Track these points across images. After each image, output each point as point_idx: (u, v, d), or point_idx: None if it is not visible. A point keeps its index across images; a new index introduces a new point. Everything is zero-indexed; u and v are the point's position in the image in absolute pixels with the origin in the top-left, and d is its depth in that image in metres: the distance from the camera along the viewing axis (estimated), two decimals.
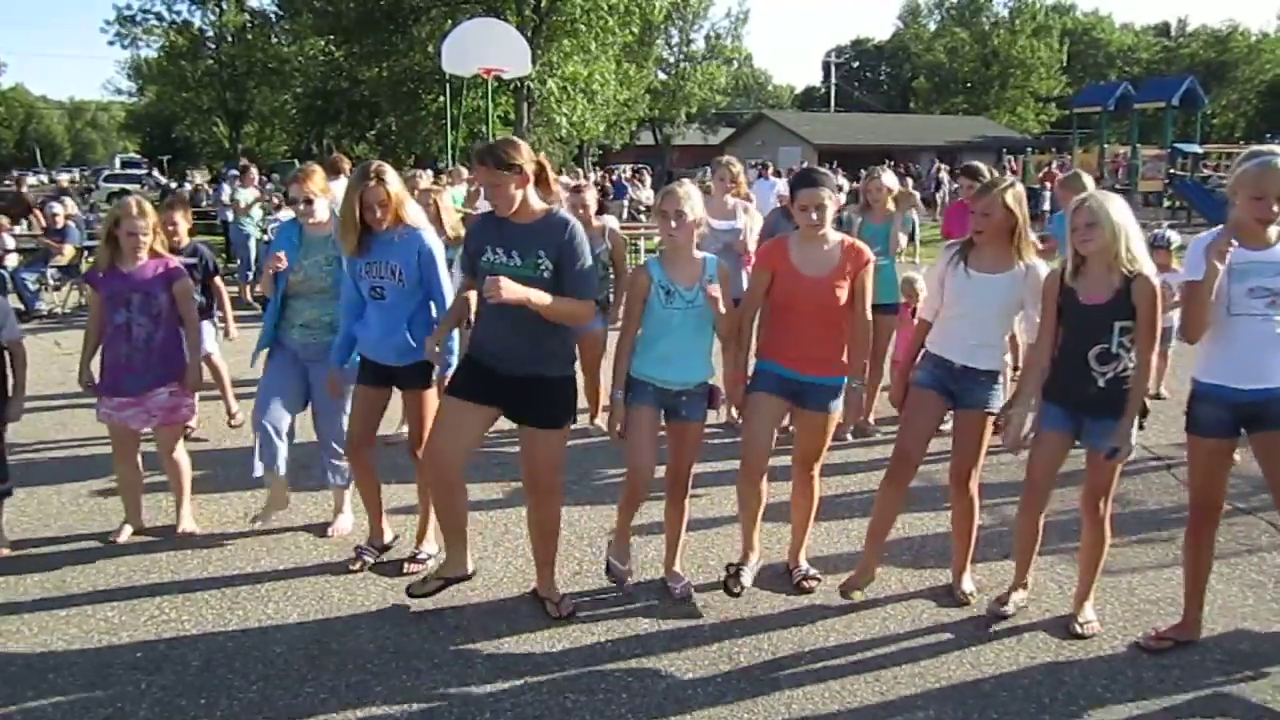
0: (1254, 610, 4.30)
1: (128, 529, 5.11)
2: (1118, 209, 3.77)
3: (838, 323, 4.19)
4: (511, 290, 3.71)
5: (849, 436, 6.74)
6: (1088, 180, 6.65)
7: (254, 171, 15.56)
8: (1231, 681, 3.74)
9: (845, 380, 4.26)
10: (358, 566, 4.71)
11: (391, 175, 4.40)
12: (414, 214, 4.51)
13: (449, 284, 4.52)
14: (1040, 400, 4.07)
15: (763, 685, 3.72)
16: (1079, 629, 4.05)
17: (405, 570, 4.64)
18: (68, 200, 14.87)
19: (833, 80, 72.96)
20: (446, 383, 4.22)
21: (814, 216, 4.09)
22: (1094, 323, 3.82)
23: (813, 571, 4.51)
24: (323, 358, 4.81)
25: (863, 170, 8.60)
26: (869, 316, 4.25)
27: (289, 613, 4.30)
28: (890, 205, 6.75)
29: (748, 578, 4.43)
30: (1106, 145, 32.40)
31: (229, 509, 5.53)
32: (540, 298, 3.81)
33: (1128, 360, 3.83)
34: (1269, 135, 36.87)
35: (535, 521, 4.26)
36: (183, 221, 6.87)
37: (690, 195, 4.10)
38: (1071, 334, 3.91)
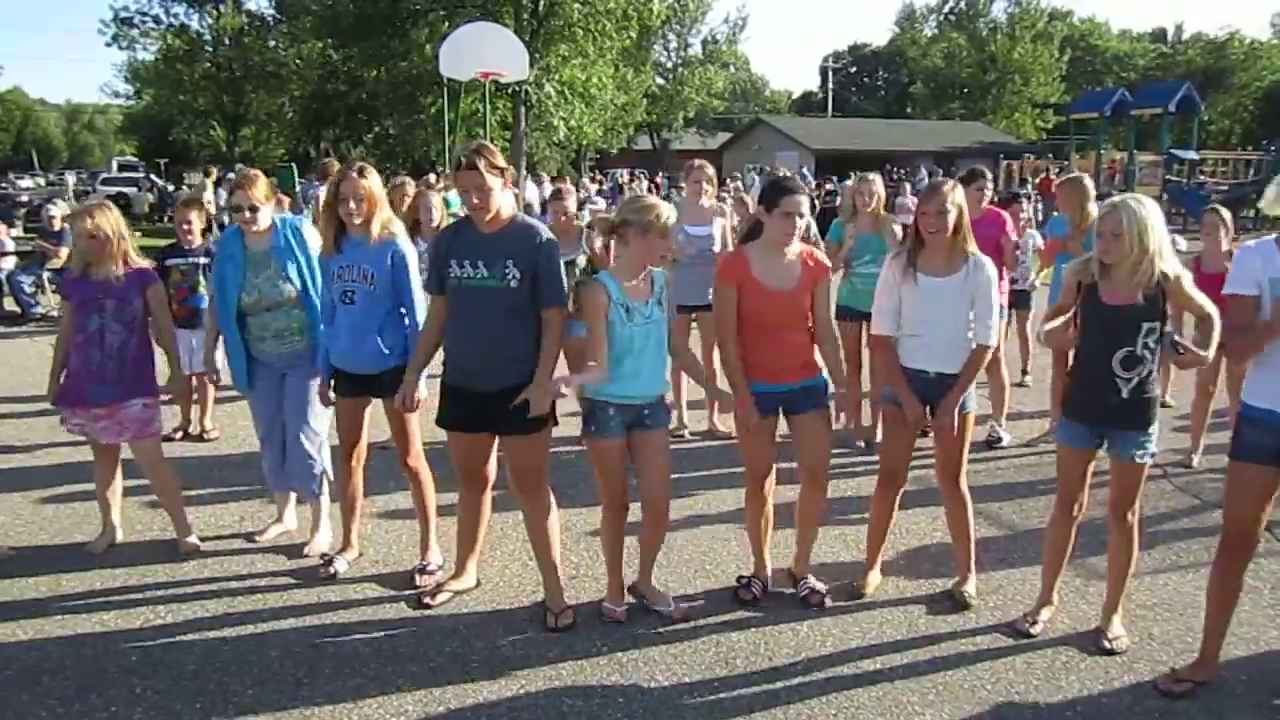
0: (1250, 615, 4.30)
1: (105, 539, 5.05)
2: (1147, 218, 3.63)
3: (809, 328, 4.21)
4: (544, 406, 3.92)
5: (861, 444, 6.62)
6: (1088, 182, 6.64)
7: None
8: (1227, 685, 3.73)
9: (826, 380, 4.26)
10: (327, 573, 4.68)
11: (373, 174, 4.43)
12: (389, 218, 4.49)
13: (420, 291, 4.45)
14: (1060, 414, 4.07)
15: (759, 690, 3.72)
16: (1108, 644, 3.98)
17: (416, 582, 4.59)
18: (63, 202, 14.85)
19: (830, 85, 73.04)
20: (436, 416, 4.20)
21: (795, 224, 4.04)
22: (1120, 324, 3.74)
23: (823, 588, 4.39)
24: (299, 363, 4.76)
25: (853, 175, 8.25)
26: (833, 323, 4.28)
27: (284, 617, 4.29)
28: (882, 212, 6.67)
29: (756, 590, 4.43)
30: (1103, 151, 32.46)
31: (225, 513, 5.52)
32: (547, 371, 3.95)
33: (1151, 365, 3.77)
34: (1265, 141, 36.89)
35: (528, 528, 4.28)
36: (197, 221, 6.84)
37: (669, 213, 4.00)
38: (1095, 338, 3.82)
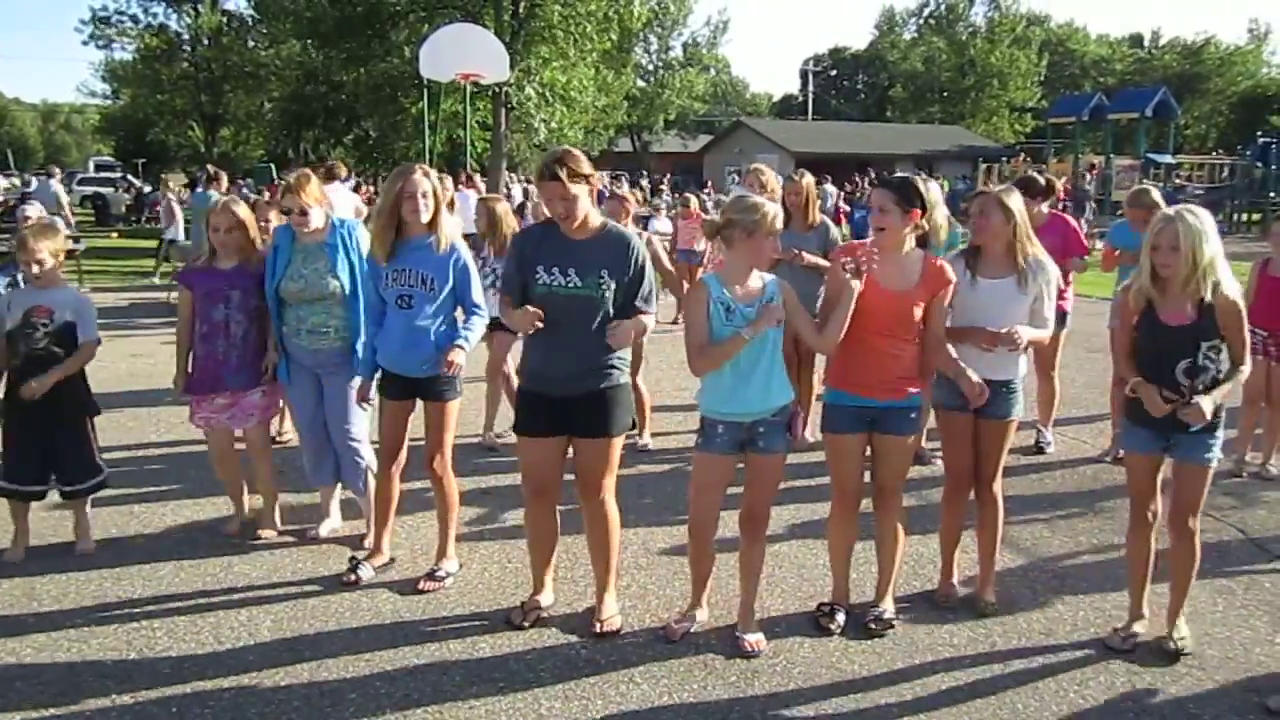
0: (1223, 615, 4.34)
1: (235, 521, 5.21)
2: (1203, 231, 3.63)
3: (912, 341, 4.01)
4: (626, 335, 3.81)
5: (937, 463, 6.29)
6: (1156, 195, 6.46)
7: (224, 178, 15.38)
8: (1201, 685, 3.77)
9: (919, 400, 4.13)
10: (353, 579, 4.60)
11: (433, 174, 4.40)
12: (451, 222, 4.46)
13: (481, 294, 4.51)
14: (1124, 421, 4.06)
15: (738, 693, 3.72)
16: (1173, 646, 3.95)
17: (421, 587, 4.55)
18: (38, 204, 14.70)
19: (810, 88, 73.28)
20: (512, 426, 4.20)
21: (872, 219, 3.92)
22: (1177, 343, 3.74)
23: (890, 615, 4.23)
24: (333, 364, 4.79)
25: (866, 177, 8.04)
26: (943, 337, 4.07)
27: (262, 619, 4.27)
28: (940, 220, 6.38)
29: (840, 619, 4.23)
30: (1081, 155, 32.69)
31: (200, 515, 5.47)
32: (637, 331, 3.89)
33: (1215, 371, 3.74)
34: (1240, 146, 37.20)
35: (588, 532, 4.21)
36: (275, 220, 6.85)
37: (776, 212, 3.83)
38: (1154, 353, 3.81)
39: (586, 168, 3.82)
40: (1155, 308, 3.78)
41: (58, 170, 19.96)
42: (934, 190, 6.29)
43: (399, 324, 4.39)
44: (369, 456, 4.93)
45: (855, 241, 4.25)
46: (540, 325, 3.77)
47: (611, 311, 3.87)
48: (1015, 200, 4.16)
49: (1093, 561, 4.93)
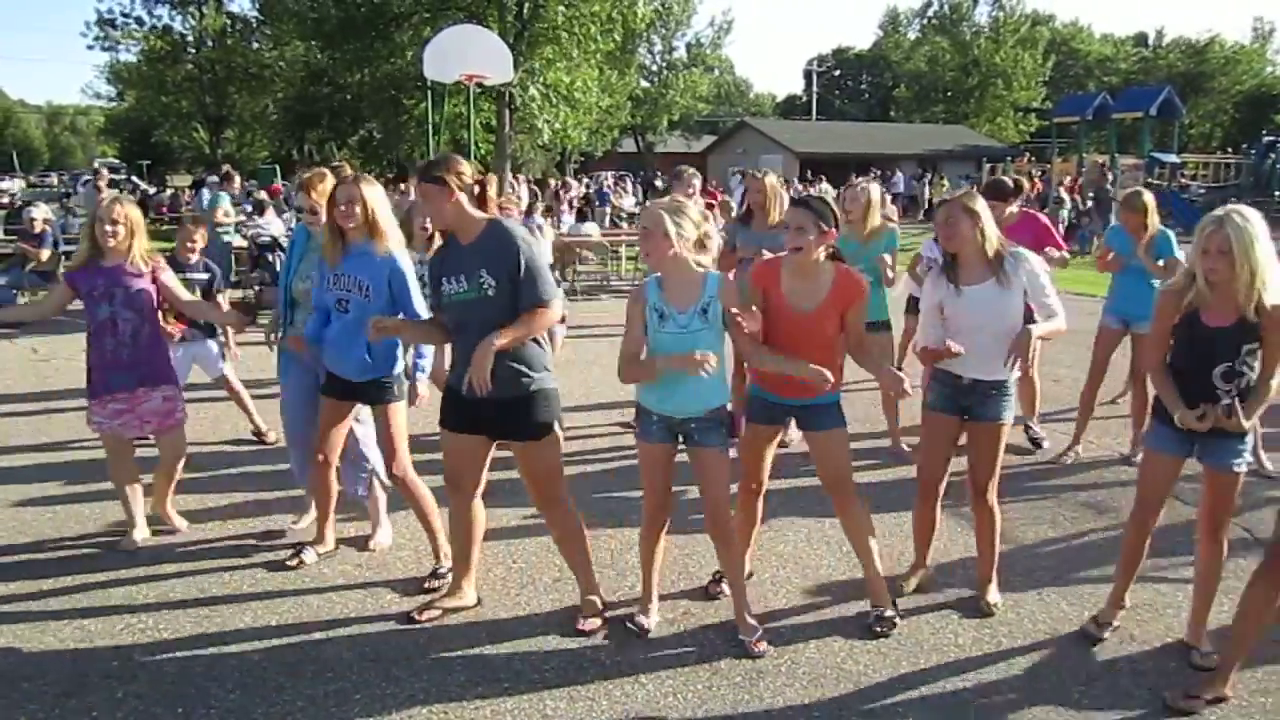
0: (1229, 615, 4.32)
1: (137, 534, 5.06)
2: (1254, 234, 3.52)
3: (830, 348, 3.99)
4: (482, 371, 3.72)
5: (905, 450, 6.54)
6: (1148, 198, 6.38)
7: (237, 179, 15.45)
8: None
9: (838, 398, 4.12)
10: (294, 563, 4.74)
11: (371, 183, 4.42)
12: (390, 229, 4.43)
13: (422, 303, 4.46)
14: (1150, 419, 4.01)
15: (743, 693, 3.72)
16: (1201, 661, 3.91)
17: (426, 587, 4.57)
18: (43, 205, 14.76)
19: (814, 88, 73.24)
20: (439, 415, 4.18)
21: (788, 238, 3.92)
22: (1219, 345, 3.65)
23: (892, 615, 4.21)
24: None
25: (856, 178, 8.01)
26: (864, 340, 4.08)
27: (267, 620, 4.27)
28: (876, 221, 6.28)
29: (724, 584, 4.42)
30: (1085, 155, 32.64)
31: (201, 515, 5.48)
32: (498, 344, 3.75)
33: (1252, 376, 3.66)
34: (1245, 145, 37.17)
35: (554, 535, 4.28)
36: (200, 240, 6.88)
37: (671, 215, 3.76)
38: (1192, 354, 3.73)
39: (444, 169, 3.85)
40: (1199, 309, 3.69)
41: (105, 172, 20.76)
42: (874, 192, 6.35)
43: (337, 327, 4.44)
44: (375, 458, 4.93)
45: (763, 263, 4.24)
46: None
47: (508, 309, 3.83)
48: (979, 202, 4.14)
49: (1095, 561, 4.91)
